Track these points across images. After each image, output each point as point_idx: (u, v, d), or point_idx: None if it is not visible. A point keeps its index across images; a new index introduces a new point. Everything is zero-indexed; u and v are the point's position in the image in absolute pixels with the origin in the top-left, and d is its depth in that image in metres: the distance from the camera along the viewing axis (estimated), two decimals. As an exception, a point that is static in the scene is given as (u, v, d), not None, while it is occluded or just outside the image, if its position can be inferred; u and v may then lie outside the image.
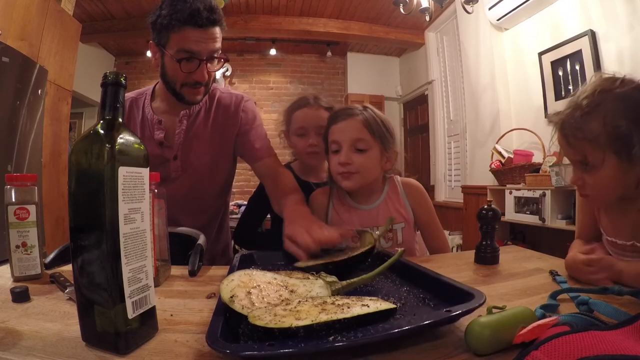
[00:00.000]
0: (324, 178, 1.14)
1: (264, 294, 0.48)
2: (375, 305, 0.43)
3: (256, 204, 1.25)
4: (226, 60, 0.98)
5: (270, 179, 1.05)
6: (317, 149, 1.12)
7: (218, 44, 0.92)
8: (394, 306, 0.43)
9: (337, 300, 0.45)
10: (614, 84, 0.64)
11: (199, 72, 0.91)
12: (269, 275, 0.53)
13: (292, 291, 0.50)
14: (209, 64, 0.93)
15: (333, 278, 0.53)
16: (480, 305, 0.43)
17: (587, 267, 0.65)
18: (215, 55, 0.93)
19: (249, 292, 0.47)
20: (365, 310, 0.41)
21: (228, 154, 1.08)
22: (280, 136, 1.25)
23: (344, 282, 0.54)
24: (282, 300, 0.47)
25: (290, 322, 0.38)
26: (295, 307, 0.43)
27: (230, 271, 0.64)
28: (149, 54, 1.19)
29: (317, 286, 0.52)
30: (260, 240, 1.27)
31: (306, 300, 0.45)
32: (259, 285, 0.49)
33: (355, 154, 0.91)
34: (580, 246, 0.77)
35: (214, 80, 1.01)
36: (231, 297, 0.45)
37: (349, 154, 0.91)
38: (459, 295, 0.47)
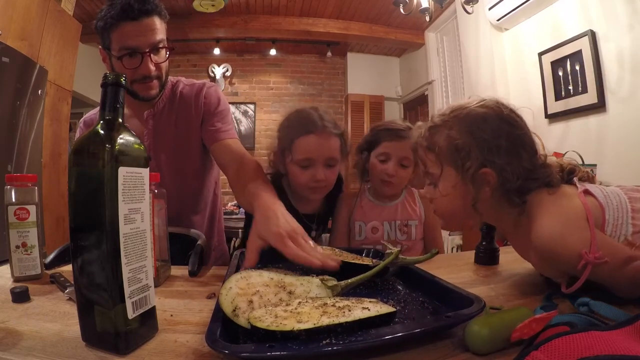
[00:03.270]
0: (314, 209, 1.07)
1: (265, 300, 0.47)
2: (375, 308, 0.43)
3: None
4: (172, 49, 0.95)
5: (233, 165, 0.93)
6: (324, 183, 0.95)
7: (159, 35, 0.90)
8: (394, 310, 0.44)
9: (337, 302, 0.45)
10: (471, 102, 0.63)
11: (144, 66, 0.90)
12: (265, 276, 0.53)
13: (290, 292, 0.50)
14: (153, 56, 0.91)
15: (333, 280, 0.53)
16: (480, 310, 0.43)
17: None
18: (160, 45, 0.91)
19: (251, 301, 0.46)
20: (366, 314, 0.41)
21: (196, 145, 1.05)
22: (270, 157, 1.03)
23: (342, 283, 0.54)
24: (283, 301, 0.47)
25: (292, 325, 0.38)
26: (296, 309, 0.43)
27: (230, 270, 0.64)
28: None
29: (314, 285, 0.52)
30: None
31: (306, 301, 0.45)
32: (258, 291, 0.49)
33: (399, 168, 1.07)
34: None
35: (167, 73, 0.98)
36: (234, 310, 0.44)
37: (396, 168, 1.06)
38: (458, 299, 0.48)
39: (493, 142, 0.58)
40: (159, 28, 0.91)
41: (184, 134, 1.03)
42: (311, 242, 0.63)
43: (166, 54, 0.95)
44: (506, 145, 0.58)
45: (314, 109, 1.00)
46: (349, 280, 0.55)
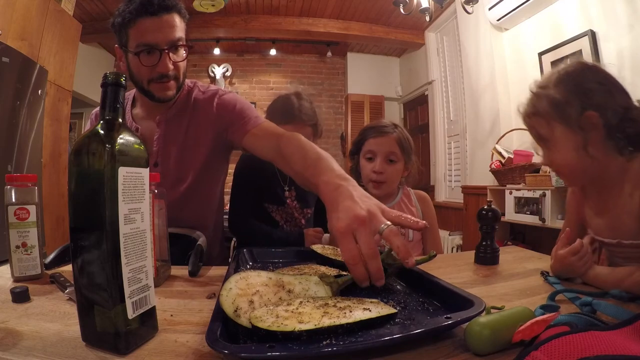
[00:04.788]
0: None
1: (265, 299, 0.48)
2: (376, 309, 0.43)
3: (240, 185, 1.25)
4: (190, 48, 0.93)
5: (271, 152, 0.86)
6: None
7: (178, 33, 0.88)
8: (395, 311, 0.44)
9: (338, 302, 0.45)
10: (558, 68, 0.71)
11: (162, 64, 0.87)
12: (263, 275, 0.53)
13: (289, 291, 0.50)
14: (172, 54, 0.88)
15: (330, 277, 0.54)
16: (480, 312, 0.43)
17: (578, 257, 0.65)
18: (179, 43, 0.89)
19: (251, 301, 0.46)
20: (367, 315, 0.41)
21: (203, 153, 1.01)
22: None
23: (340, 280, 0.54)
24: (283, 300, 0.47)
25: (293, 325, 0.38)
26: (297, 309, 0.43)
27: (230, 270, 0.64)
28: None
29: (312, 283, 0.52)
30: (260, 234, 1.22)
31: (307, 301, 0.45)
32: (258, 291, 0.49)
33: (387, 164, 1.07)
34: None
35: (184, 74, 0.95)
36: (235, 310, 0.44)
37: (382, 164, 1.07)
38: (458, 300, 0.48)
39: (586, 87, 0.64)
40: (179, 26, 0.88)
41: (193, 141, 1.00)
42: (390, 226, 0.49)
43: (185, 53, 0.92)
44: (598, 88, 0.64)
45: (295, 93, 1.22)
46: (346, 278, 0.55)
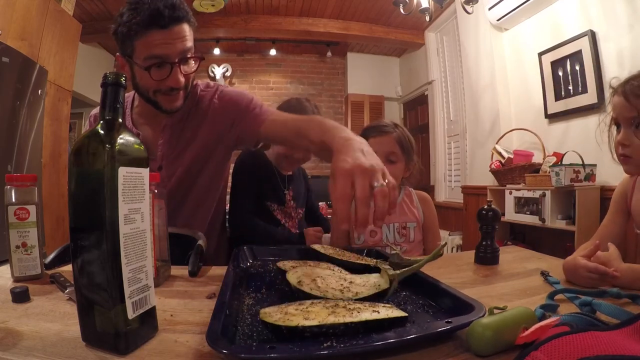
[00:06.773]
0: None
1: (328, 282, 0.52)
2: (386, 312, 0.43)
3: (241, 182, 1.28)
4: (201, 59, 0.89)
5: (295, 131, 0.85)
6: (298, 157, 1.27)
7: (189, 43, 0.84)
8: (405, 314, 0.43)
9: (349, 304, 0.45)
10: None
11: (173, 78, 0.83)
12: (324, 266, 0.63)
13: (351, 282, 0.54)
14: (182, 67, 0.85)
15: (388, 267, 0.57)
16: (480, 317, 0.42)
17: (589, 274, 0.64)
18: (189, 55, 0.85)
19: (314, 280, 0.51)
20: (374, 317, 0.41)
21: (211, 155, 1.00)
22: None
23: (398, 271, 0.56)
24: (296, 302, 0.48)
25: (297, 321, 0.39)
26: (306, 308, 0.43)
27: (229, 269, 0.64)
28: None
29: (372, 277, 0.56)
30: (261, 231, 1.23)
31: (319, 302, 0.46)
32: (321, 276, 0.54)
33: (387, 164, 1.05)
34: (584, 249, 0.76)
35: (192, 82, 0.93)
36: (299, 281, 0.50)
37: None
38: (459, 304, 0.47)
39: None
40: (189, 36, 0.85)
41: (198, 142, 0.97)
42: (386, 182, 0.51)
43: (195, 64, 0.89)
44: None
45: (306, 99, 1.31)
46: (404, 269, 0.57)
